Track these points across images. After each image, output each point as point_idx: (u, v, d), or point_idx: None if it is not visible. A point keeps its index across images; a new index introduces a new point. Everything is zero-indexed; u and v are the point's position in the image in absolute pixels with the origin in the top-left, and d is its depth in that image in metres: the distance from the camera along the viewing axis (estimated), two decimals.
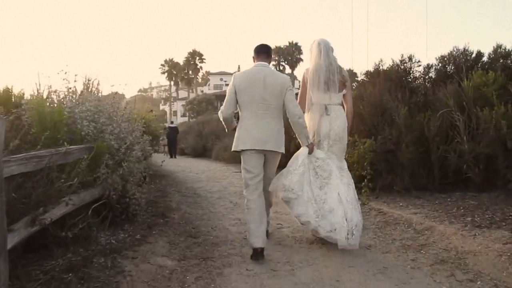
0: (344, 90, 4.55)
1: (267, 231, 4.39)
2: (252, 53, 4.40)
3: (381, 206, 5.83)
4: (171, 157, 21.31)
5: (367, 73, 8.50)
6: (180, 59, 68.68)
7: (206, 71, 74.39)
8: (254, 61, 4.38)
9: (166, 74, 68.03)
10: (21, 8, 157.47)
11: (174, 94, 71.82)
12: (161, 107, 77.21)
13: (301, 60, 67.49)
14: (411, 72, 7.79)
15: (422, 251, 4.07)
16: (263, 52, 4.36)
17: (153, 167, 12.55)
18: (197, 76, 71.85)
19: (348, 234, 4.04)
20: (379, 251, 4.19)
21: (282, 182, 4.26)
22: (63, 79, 4.18)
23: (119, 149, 4.03)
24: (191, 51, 68.13)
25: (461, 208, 5.22)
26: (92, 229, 3.92)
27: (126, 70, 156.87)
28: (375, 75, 8.08)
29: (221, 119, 4.39)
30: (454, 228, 4.47)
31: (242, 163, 4.27)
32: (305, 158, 4.28)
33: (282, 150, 4.28)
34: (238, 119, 4.36)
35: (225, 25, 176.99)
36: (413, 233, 4.61)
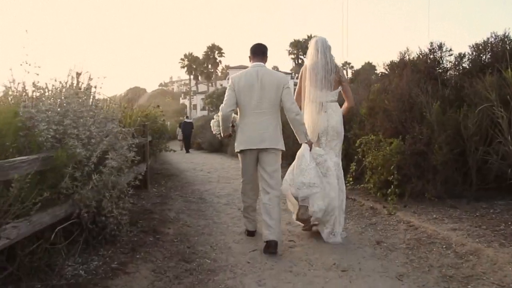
0: (339, 88, 4.65)
1: (254, 231, 4.65)
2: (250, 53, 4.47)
3: (411, 218, 4.92)
4: (187, 152, 20.63)
5: (391, 64, 7.54)
6: (200, 53, 67.95)
7: (225, 65, 73.53)
8: (250, 61, 4.48)
9: (185, 68, 67.44)
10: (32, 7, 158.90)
11: (194, 88, 71.26)
12: (181, 101, 76.81)
13: None
14: (441, 62, 6.82)
15: (469, 286, 3.16)
16: (258, 52, 4.45)
17: (163, 166, 11.92)
18: (217, 70, 71.06)
19: (331, 233, 4.37)
20: (414, 284, 3.29)
21: (300, 181, 4.24)
22: (27, 72, 3.32)
23: (90, 158, 3.19)
24: (210, 45, 67.45)
25: (510, 223, 4.29)
26: (57, 256, 3.13)
27: (147, 64, 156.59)
28: (401, 65, 7.12)
29: (220, 118, 4.46)
30: (507, 253, 3.53)
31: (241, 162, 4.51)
32: (310, 153, 4.33)
33: (280, 146, 4.32)
34: (233, 126, 4.50)
35: (244, 18, 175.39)
36: (454, 257, 3.69)
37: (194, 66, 66.63)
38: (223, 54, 68.06)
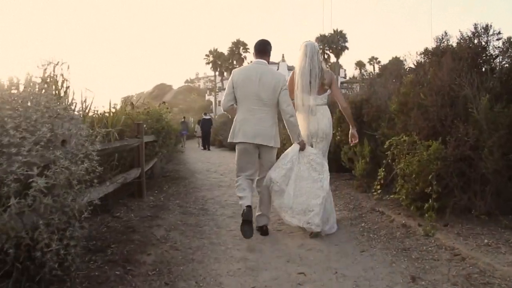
0: (328, 91, 4.77)
1: (266, 227, 4.68)
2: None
3: (455, 243, 3.84)
4: (204, 149, 19.82)
5: (426, 52, 6.41)
6: (225, 49, 66.95)
7: (250, 61, 72.09)
8: (254, 58, 4.61)
9: (210, 64, 66.64)
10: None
11: (219, 84, 70.46)
12: (207, 97, 76.16)
13: (347, 48, 64.56)
14: (487, 47, 5.67)
15: None
16: (261, 50, 4.60)
17: (176, 167, 11.05)
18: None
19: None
20: None
21: (270, 175, 4.49)
22: None
23: (7, 176, 2.26)
24: (235, 40, 66.31)
25: None
26: None
27: (173, 61, 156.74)
28: (438, 53, 6.00)
29: (223, 111, 4.80)
30: None
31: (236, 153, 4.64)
32: (295, 154, 4.50)
33: (273, 144, 4.49)
34: None
35: (268, 13, 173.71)
36: None
37: (219, 62, 65.62)
38: (248, 50, 66.77)
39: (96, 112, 5.56)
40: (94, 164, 3.04)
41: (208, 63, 66.47)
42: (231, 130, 4.59)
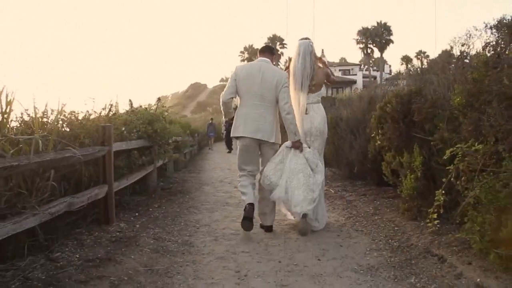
0: (322, 89, 5.03)
1: (270, 227, 4.81)
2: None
3: None
4: (229, 152, 18.54)
5: (501, 24, 4.68)
6: (260, 45, 65.38)
7: (288, 57, 70.41)
8: (258, 57, 4.84)
9: (246, 61, 65.45)
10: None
11: None
12: None
13: (391, 41, 61.96)
14: None
15: None
16: (266, 50, 4.87)
17: (189, 175, 9.70)
18: (279, 62, 68.32)
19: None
20: None
21: (264, 170, 4.66)
22: None
23: None
24: (271, 36, 64.89)
25: None
26: None
27: (208, 60, 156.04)
28: None
29: (221, 104, 4.74)
30: None
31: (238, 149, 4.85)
32: (285, 149, 4.66)
33: (273, 140, 4.63)
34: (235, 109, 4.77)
35: (306, 6, 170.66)
36: None
37: (254, 59, 64.30)
38: (285, 45, 65.35)
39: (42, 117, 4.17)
40: None
41: (243, 60, 65.27)
42: (233, 125, 4.73)
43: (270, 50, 4.92)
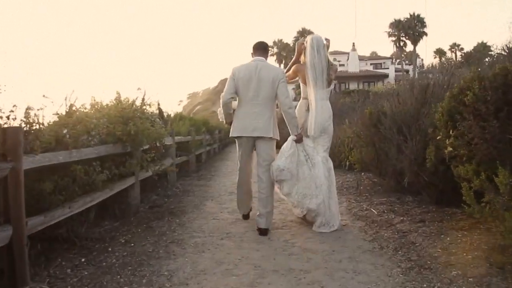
0: (332, 85, 4.97)
1: (266, 230, 4.52)
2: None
3: None
4: None
5: None
6: (289, 39, 63.15)
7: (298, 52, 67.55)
8: (252, 57, 4.77)
9: (275, 56, 63.27)
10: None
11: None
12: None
13: (425, 34, 58.57)
14: None
15: None
16: (260, 48, 4.78)
17: (197, 182, 7.84)
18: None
19: (322, 223, 4.54)
20: None
21: (277, 164, 4.56)
22: None
23: None
24: (300, 29, 62.22)
25: None
26: None
27: (238, 54, 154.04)
28: None
29: (221, 105, 4.72)
30: None
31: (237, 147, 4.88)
32: (294, 142, 4.62)
33: (271, 135, 4.57)
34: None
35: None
36: None
37: (284, 54, 61.87)
38: None
39: None
40: None
41: (272, 55, 63.04)
42: (232, 124, 4.75)
43: (264, 47, 4.85)
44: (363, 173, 7.96)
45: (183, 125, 9.98)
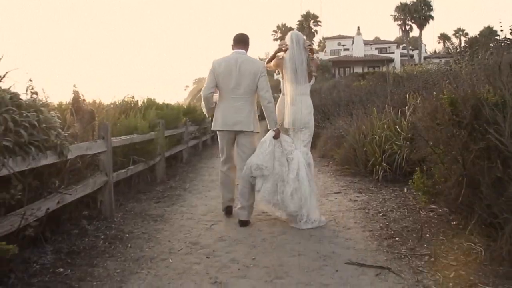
0: (312, 81, 4.68)
1: (247, 222, 4.47)
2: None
3: None
4: None
5: None
6: (293, 23, 59.35)
7: (322, 37, 64.08)
8: (232, 49, 4.60)
9: (279, 41, 59.39)
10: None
11: None
12: (275, 76, 69.36)
13: (431, 17, 54.87)
14: None
15: None
16: (240, 41, 4.59)
17: (133, 217, 4.47)
18: (313, 41, 61.87)
19: (301, 219, 4.32)
20: None
21: (252, 162, 4.38)
22: None
23: None
24: (305, 13, 58.48)
25: None
26: None
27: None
28: None
29: (202, 99, 4.60)
30: None
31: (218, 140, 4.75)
32: (272, 139, 4.44)
33: (252, 129, 4.48)
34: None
35: None
36: None
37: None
38: (319, 23, 58.92)
39: None
40: None
41: (276, 40, 59.39)
42: (214, 117, 4.64)
43: (244, 40, 4.62)
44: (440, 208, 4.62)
45: (143, 117, 6.61)
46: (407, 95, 7.52)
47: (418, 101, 6.07)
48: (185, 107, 11.50)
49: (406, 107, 7.17)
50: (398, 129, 6.84)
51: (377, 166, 6.53)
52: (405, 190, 5.81)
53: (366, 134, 7.45)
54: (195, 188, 6.61)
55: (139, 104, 8.25)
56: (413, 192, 5.08)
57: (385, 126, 7.30)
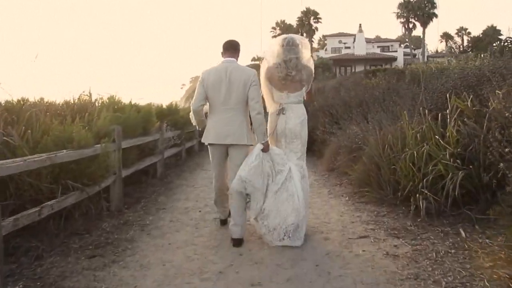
0: (303, 89, 4.39)
1: (240, 240, 4.11)
2: None
3: None
4: None
5: None
6: (293, 20, 57.35)
7: (322, 35, 61.97)
8: (222, 56, 4.34)
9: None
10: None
11: None
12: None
13: (435, 15, 53.12)
14: None
15: None
16: (230, 48, 4.33)
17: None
18: (312, 39, 59.66)
19: (284, 235, 3.99)
20: None
21: (239, 175, 4.08)
22: None
23: None
24: (305, 9, 56.36)
25: None
26: None
27: (239, 36, 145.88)
28: None
29: (192, 113, 4.34)
30: None
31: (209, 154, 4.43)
32: (260, 152, 4.11)
33: (245, 142, 4.20)
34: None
35: None
36: None
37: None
38: (319, 20, 56.64)
39: None
40: None
41: (274, 37, 57.33)
42: (205, 129, 4.33)
43: (234, 47, 4.32)
44: None
45: (89, 123, 4.66)
46: (447, 95, 5.56)
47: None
48: (165, 107, 9.45)
49: (448, 111, 5.23)
50: (441, 142, 4.92)
51: (417, 195, 4.60)
52: (462, 232, 3.96)
53: (394, 146, 5.53)
54: (159, 225, 4.68)
55: (97, 104, 6.30)
56: (478, 237, 3.30)
57: (418, 135, 5.37)
